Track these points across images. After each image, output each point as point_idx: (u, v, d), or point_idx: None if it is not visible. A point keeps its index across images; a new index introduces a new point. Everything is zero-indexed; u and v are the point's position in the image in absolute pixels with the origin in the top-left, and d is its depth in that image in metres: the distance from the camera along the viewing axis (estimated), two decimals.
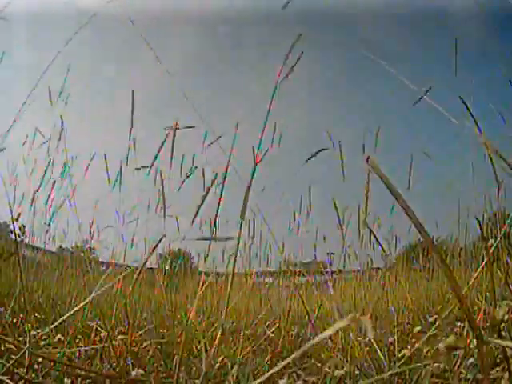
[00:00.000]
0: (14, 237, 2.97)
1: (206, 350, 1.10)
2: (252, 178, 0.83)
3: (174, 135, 1.37)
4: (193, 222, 0.81)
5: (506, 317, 0.71)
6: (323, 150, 1.18)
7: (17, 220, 2.47)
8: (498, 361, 0.82)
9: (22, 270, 1.66)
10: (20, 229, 2.71)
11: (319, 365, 1.16)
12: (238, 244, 0.85)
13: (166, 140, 1.20)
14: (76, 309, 0.73)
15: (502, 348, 0.71)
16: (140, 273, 1.83)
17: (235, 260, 0.91)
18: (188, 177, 1.69)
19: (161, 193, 1.52)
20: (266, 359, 1.47)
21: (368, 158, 0.65)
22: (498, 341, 0.72)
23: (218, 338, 1.02)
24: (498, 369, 0.80)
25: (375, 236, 1.36)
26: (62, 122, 1.83)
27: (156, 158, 1.21)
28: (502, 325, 0.73)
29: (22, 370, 1.02)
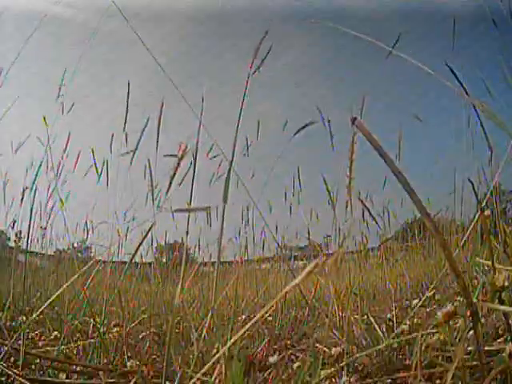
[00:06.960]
0: (11, 244, 2.93)
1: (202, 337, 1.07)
2: (232, 161, 0.80)
3: (160, 120, 1.31)
4: (167, 192, 0.78)
5: (506, 283, 0.68)
6: (311, 123, 1.13)
7: (12, 228, 2.42)
8: (501, 332, 0.79)
9: (25, 275, 1.63)
10: (16, 235, 2.67)
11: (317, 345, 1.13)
12: (222, 229, 0.81)
13: (148, 120, 1.15)
14: (54, 296, 0.69)
15: (505, 318, 0.68)
16: (129, 264, 1.80)
17: (220, 244, 0.87)
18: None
19: (149, 184, 1.45)
20: (264, 342, 1.44)
21: (354, 118, 0.61)
22: (500, 306, 0.69)
23: (211, 323, 0.99)
24: (499, 340, 0.77)
25: (368, 209, 1.32)
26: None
27: (140, 140, 1.15)
28: (504, 293, 0.70)
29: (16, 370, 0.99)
